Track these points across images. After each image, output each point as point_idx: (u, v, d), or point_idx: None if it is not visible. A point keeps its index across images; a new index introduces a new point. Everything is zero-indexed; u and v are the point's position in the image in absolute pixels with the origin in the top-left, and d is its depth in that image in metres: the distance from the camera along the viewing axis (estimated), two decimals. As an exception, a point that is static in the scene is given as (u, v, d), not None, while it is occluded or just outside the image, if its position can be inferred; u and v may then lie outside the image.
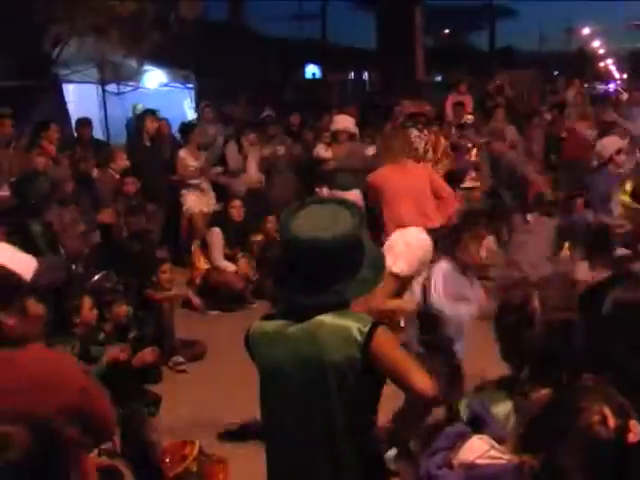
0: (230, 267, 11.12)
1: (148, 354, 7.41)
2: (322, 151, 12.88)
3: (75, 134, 13.71)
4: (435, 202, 9.09)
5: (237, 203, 11.53)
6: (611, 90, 42.67)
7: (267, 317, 3.77)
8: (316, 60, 37.91)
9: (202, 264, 11.27)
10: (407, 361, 3.51)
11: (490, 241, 10.98)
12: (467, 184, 13.04)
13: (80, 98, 17.07)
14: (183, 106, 19.44)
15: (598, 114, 17.34)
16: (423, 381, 3.27)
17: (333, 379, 3.49)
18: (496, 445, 2.12)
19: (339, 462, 3.56)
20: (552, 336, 2.76)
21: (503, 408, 2.66)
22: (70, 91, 16.82)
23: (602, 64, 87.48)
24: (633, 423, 1.82)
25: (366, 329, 3.48)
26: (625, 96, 21.16)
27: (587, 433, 1.81)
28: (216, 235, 11.16)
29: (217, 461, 6.39)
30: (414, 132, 13.17)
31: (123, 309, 7.74)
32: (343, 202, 3.84)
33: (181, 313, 9.42)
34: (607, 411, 1.83)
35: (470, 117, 15.34)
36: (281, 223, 3.68)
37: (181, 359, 8.88)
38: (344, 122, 12.75)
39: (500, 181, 13.22)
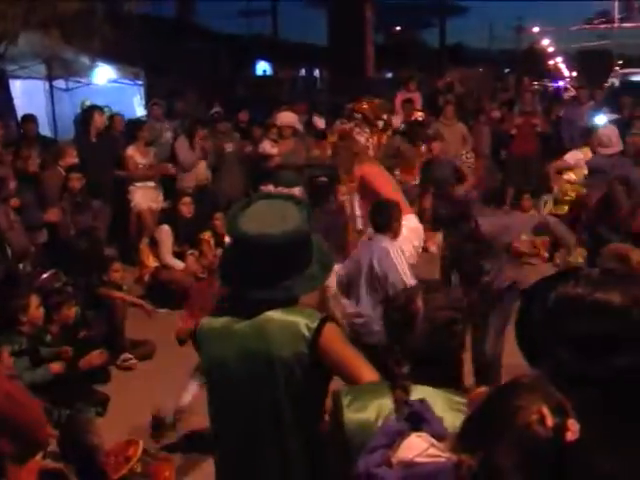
0: (179, 265, 11.04)
1: (96, 357, 7.35)
2: (268, 147, 12.88)
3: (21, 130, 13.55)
4: None
5: (187, 200, 11.45)
6: (560, 88, 43.11)
7: (215, 313, 3.74)
8: (267, 57, 37.86)
9: (151, 262, 11.18)
10: (355, 357, 3.51)
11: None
12: (415, 180, 13.13)
13: (27, 94, 16.86)
14: (133, 103, 19.27)
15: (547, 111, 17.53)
16: (370, 377, 3.27)
17: (281, 374, 3.48)
18: (435, 443, 2.11)
19: (287, 457, 3.56)
20: (433, 335, 2.80)
21: (382, 402, 2.73)
22: (17, 87, 16.62)
23: (552, 62, 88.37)
24: (571, 422, 1.81)
25: (314, 325, 3.48)
26: (572, 93, 21.37)
27: (525, 432, 1.80)
28: (165, 232, 11.08)
29: (162, 459, 6.36)
30: (356, 129, 13.27)
31: (72, 311, 7.67)
32: (291, 198, 3.84)
33: (130, 312, 9.33)
34: (545, 410, 1.81)
35: (420, 114, 15.38)
36: (229, 220, 3.65)
37: (130, 356, 8.81)
38: (287, 118, 12.78)
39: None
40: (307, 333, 3.46)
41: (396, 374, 2.78)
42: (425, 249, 12.60)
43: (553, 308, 2.13)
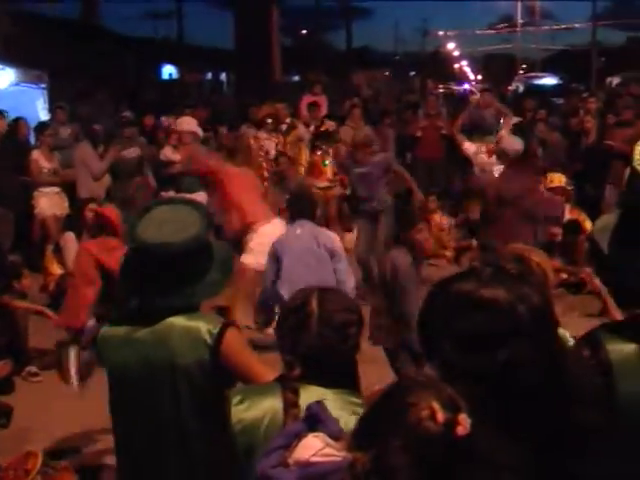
0: (84, 272, 10.89)
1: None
2: (169, 153, 12.81)
3: None
4: None
5: (93, 206, 11.28)
6: (465, 91, 43.70)
7: (117, 321, 3.72)
8: (173, 60, 37.56)
9: (56, 269, 11.02)
10: (256, 362, 3.55)
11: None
12: (322, 184, 13.19)
13: None
14: (36, 107, 18.95)
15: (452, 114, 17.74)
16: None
17: (183, 382, 3.48)
18: (331, 443, 2.14)
19: (192, 464, 3.56)
20: (328, 336, 2.81)
21: (271, 402, 2.76)
22: None
23: (457, 66, 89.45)
24: (462, 417, 1.85)
25: (215, 330, 3.49)
26: (477, 97, 21.65)
27: (416, 428, 1.84)
28: (70, 240, 10.92)
29: (63, 469, 6.26)
30: (264, 135, 13.34)
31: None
32: (190, 203, 3.84)
33: (34, 320, 9.19)
34: (436, 405, 1.85)
35: (332, 124, 15.34)
36: (128, 228, 3.65)
37: (34, 369, 8.64)
38: (188, 124, 12.71)
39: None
40: (209, 339, 3.47)
41: (286, 376, 2.81)
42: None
43: (441, 305, 2.19)
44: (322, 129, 14.39)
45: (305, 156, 13.53)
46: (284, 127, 14.50)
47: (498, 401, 2.01)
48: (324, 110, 16.81)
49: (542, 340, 2.11)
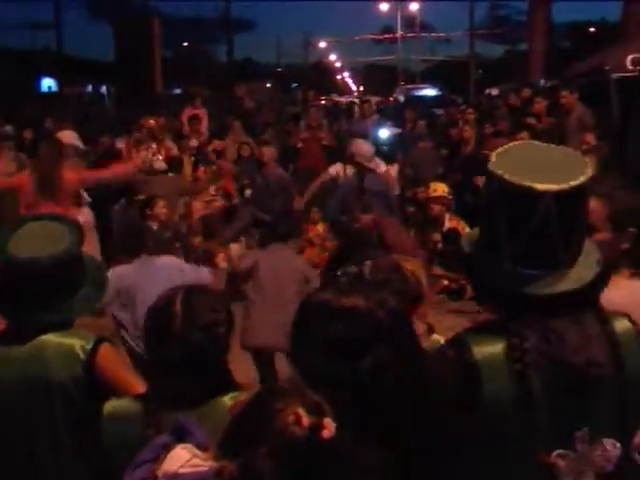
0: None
1: None
2: None
3: None
4: None
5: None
6: (346, 102, 44.10)
7: None
8: (52, 72, 36.95)
9: None
10: (130, 376, 3.53)
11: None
12: (206, 198, 13.17)
13: None
14: None
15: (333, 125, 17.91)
16: None
17: (58, 398, 3.43)
18: (199, 453, 2.14)
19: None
20: (194, 339, 2.74)
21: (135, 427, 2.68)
22: None
23: (339, 77, 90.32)
24: (327, 421, 1.88)
25: (89, 346, 3.46)
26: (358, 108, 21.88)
27: (282, 434, 1.86)
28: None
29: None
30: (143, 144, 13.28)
31: None
32: (60, 218, 3.79)
33: None
34: (301, 411, 1.88)
35: (219, 143, 15.20)
36: None
37: None
38: (68, 138, 12.52)
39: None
40: (82, 355, 3.44)
41: (149, 395, 2.78)
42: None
43: (304, 314, 2.23)
44: (210, 148, 14.27)
45: (187, 170, 13.41)
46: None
47: (361, 406, 2.04)
48: (205, 123, 16.76)
49: (402, 343, 2.16)
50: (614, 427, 2.43)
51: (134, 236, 6.97)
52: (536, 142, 2.65)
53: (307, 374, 2.11)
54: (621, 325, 2.49)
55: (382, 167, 11.18)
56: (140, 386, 3.41)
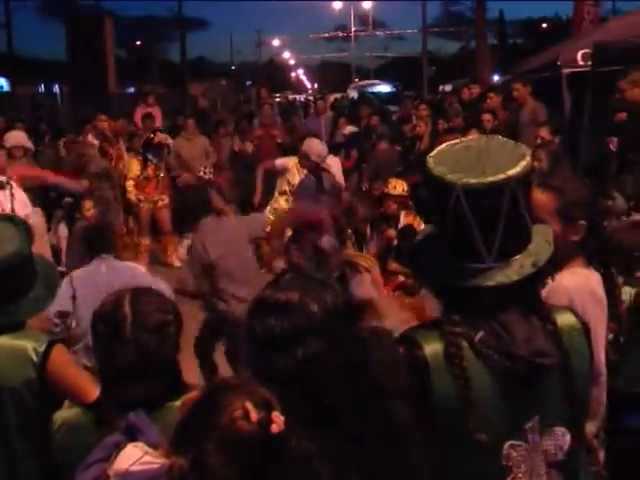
0: None
1: None
2: None
3: None
4: None
5: None
6: (303, 100, 44.16)
7: None
8: (3, 72, 36.59)
9: None
10: (82, 377, 3.49)
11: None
12: (155, 196, 13.14)
13: None
14: None
15: (286, 123, 17.88)
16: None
17: (10, 403, 3.38)
18: (150, 451, 2.14)
19: None
20: (144, 342, 2.68)
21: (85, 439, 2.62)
22: None
23: (293, 74, 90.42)
24: (276, 414, 1.90)
25: (42, 349, 3.41)
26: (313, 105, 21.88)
27: (230, 428, 1.88)
28: None
29: None
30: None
31: None
32: (9, 219, 3.76)
33: None
34: (249, 405, 1.89)
35: (164, 136, 14.97)
36: None
37: None
38: (17, 138, 12.40)
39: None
40: (35, 357, 3.39)
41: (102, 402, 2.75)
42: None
43: (249, 311, 2.24)
44: (155, 141, 14.09)
45: (135, 170, 13.27)
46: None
47: (306, 400, 2.06)
48: (159, 121, 16.67)
49: (337, 337, 2.17)
50: (563, 416, 2.47)
51: (97, 236, 6.79)
52: (488, 136, 2.67)
53: (252, 370, 2.12)
54: (565, 318, 2.55)
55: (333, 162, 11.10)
56: (94, 388, 3.39)
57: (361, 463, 2.07)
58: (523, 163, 2.39)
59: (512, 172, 2.36)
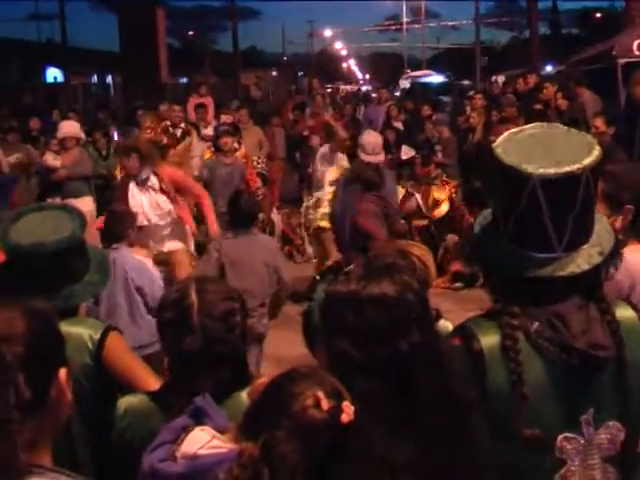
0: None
1: None
2: (50, 159, 12.57)
3: None
4: None
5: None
6: (362, 91, 44.05)
7: None
8: (57, 63, 36.91)
9: None
10: (139, 367, 3.54)
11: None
12: None
13: None
14: None
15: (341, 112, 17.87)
16: (153, 388, 3.28)
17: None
18: (218, 435, 2.16)
19: (77, 468, 3.50)
20: (212, 329, 2.69)
21: (153, 425, 2.62)
22: None
23: (345, 65, 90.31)
24: (346, 404, 1.90)
25: (97, 336, 3.46)
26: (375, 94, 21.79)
27: (301, 416, 1.88)
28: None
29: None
30: None
31: None
32: (63, 207, 3.83)
33: None
34: (320, 394, 1.90)
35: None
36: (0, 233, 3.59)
37: None
38: (70, 128, 12.49)
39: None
40: (91, 345, 3.44)
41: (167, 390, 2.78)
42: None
43: (327, 305, 2.23)
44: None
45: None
46: (178, 132, 14.37)
47: (390, 392, 2.06)
48: (211, 111, 16.64)
49: (429, 325, 2.18)
50: (618, 411, 2.44)
51: (117, 222, 6.85)
52: (548, 125, 2.64)
53: (342, 362, 2.12)
54: (624, 311, 2.51)
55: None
56: (149, 377, 3.44)
57: (434, 466, 2.07)
58: (595, 152, 2.37)
59: (587, 162, 2.33)
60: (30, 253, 3.44)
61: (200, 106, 16.13)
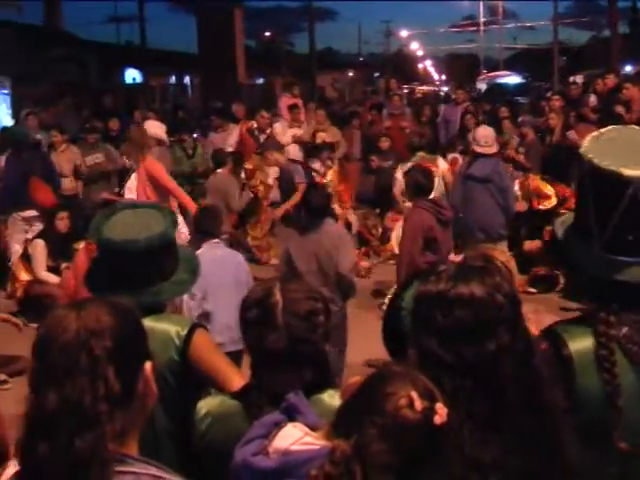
0: (53, 279, 10.79)
1: None
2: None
3: None
4: None
5: (64, 214, 11.13)
6: (442, 91, 43.82)
7: None
8: (136, 64, 37.35)
9: (24, 276, 10.96)
10: (225, 365, 3.57)
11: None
12: None
13: None
14: (-2, 113, 18.84)
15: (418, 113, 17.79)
16: (237, 385, 3.31)
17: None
18: (310, 432, 2.18)
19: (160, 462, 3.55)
20: (295, 328, 2.71)
21: (237, 427, 2.64)
22: None
23: (421, 66, 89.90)
24: (439, 405, 1.91)
25: (184, 332, 3.51)
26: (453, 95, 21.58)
27: (395, 417, 1.89)
28: (39, 247, 10.84)
29: None
30: None
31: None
32: (155, 206, 3.89)
33: (2, 326, 9.08)
34: (414, 394, 1.91)
35: (323, 135, 14.89)
36: (93, 228, 3.67)
37: (3, 376, 8.57)
38: (152, 128, 12.63)
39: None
40: (177, 341, 3.49)
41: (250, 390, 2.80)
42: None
43: (417, 305, 2.25)
44: (317, 142, 14.11)
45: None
46: (262, 137, 14.50)
47: (480, 393, 2.07)
48: (303, 112, 16.56)
49: (519, 327, 2.18)
50: None
51: (210, 219, 6.97)
52: (624, 127, 2.62)
53: (430, 362, 2.13)
54: None
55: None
56: (234, 375, 3.47)
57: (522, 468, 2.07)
58: None
59: None
60: (122, 249, 3.52)
61: (294, 107, 16.14)
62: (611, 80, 15.37)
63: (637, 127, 2.58)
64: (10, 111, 18.80)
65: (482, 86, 40.07)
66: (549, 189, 11.42)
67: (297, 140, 14.95)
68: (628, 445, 2.30)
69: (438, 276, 2.25)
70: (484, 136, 9.97)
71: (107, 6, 62.15)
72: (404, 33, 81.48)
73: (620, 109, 12.56)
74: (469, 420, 2.04)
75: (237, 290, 6.36)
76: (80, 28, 49.84)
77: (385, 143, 14.13)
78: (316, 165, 13.01)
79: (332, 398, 2.73)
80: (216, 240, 6.79)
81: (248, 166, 13.00)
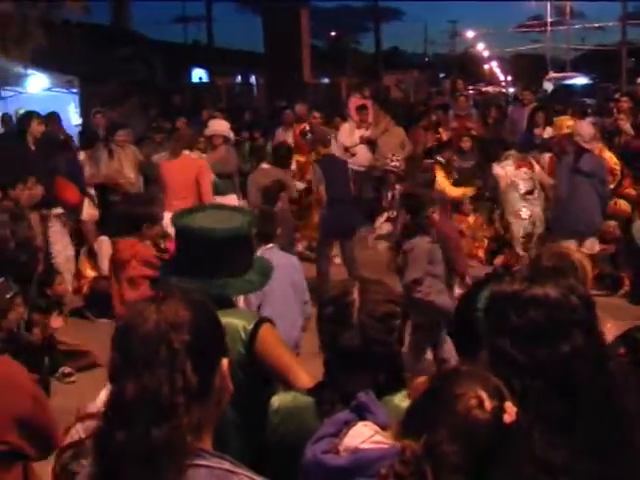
0: (119, 275, 10.89)
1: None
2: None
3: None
4: None
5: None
6: (510, 92, 43.52)
7: None
8: (203, 64, 37.68)
9: (89, 272, 11.10)
10: (290, 360, 3.60)
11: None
12: None
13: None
14: (68, 111, 19.06)
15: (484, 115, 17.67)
16: (303, 381, 3.32)
17: None
18: (380, 431, 2.18)
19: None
20: (370, 329, 2.70)
21: (307, 424, 2.66)
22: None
23: (487, 66, 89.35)
24: (508, 404, 1.90)
25: (250, 327, 3.54)
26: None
27: (465, 417, 1.89)
28: (104, 243, 10.97)
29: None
30: None
31: (20, 314, 7.54)
32: (237, 208, 4.01)
33: (70, 322, 9.22)
34: (483, 394, 1.90)
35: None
36: (176, 215, 3.83)
37: (68, 369, 8.68)
38: (218, 126, 12.70)
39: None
40: (244, 335, 3.52)
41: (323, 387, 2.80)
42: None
43: (491, 305, 2.23)
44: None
45: None
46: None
47: (552, 394, 2.05)
48: (372, 114, 16.40)
49: (594, 330, 2.16)
50: None
51: (268, 222, 6.95)
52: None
53: (502, 362, 2.12)
54: None
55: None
56: (299, 370, 3.49)
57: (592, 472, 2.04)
58: None
59: None
60: (198, 237, 3.59)
61: (362, 107, 16.07)
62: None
63: None
64: (79, 109, 18.99)
65: (549, 87, 39.71)
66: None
67: (364, 140, 14.94)
68: None
69: (513, 277, 2.23)
70: (589, 133, 10.39)
71: (175, 6, 62.73)
72: (470, 34, 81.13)
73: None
74: (539, 422, 2.02)
75: (295, 295, 6.39)
76: (148, 28, 50.48)
77: (467, 143, 14.06)
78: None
79: (403, 401, 2.70)
80: (270, 245, 6.79)
81: (300, 159, 13.12)
